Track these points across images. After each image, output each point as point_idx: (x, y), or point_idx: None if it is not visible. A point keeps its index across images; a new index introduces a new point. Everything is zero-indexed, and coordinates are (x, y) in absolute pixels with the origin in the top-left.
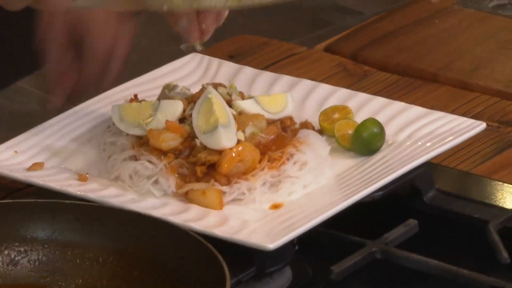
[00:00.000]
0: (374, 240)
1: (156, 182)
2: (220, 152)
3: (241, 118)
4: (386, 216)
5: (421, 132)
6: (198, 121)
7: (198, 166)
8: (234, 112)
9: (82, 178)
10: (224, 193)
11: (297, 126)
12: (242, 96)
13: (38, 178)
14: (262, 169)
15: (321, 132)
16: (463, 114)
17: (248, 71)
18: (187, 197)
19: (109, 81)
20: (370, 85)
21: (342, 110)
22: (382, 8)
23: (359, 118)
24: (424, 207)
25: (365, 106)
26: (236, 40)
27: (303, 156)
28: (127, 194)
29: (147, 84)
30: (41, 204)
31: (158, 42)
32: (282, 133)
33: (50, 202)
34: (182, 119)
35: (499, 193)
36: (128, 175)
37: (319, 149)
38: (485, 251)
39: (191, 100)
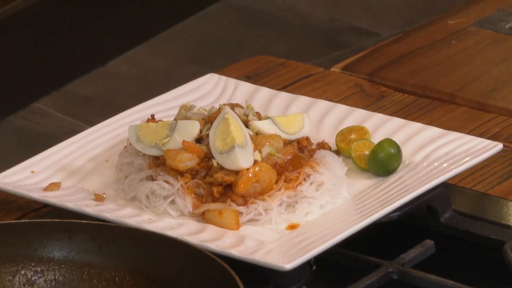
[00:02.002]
0: (391, 261)
1: (172, 202)
2: (236, 172)
3: (258, 139)
4: (402, 236)
5: (438, 153)
6: (215, 142)
7: (215, 186)
8: (251, 133)
9: (98, 198)
10: (240, 213)
11: (313, 146)
12: (259, 117)
13: (54, 198)
14: (279, 190)
15: (337, 152)
16: (480, 135)
17: (265, 92)
18: (203, 218)
19: None
20: (387, 105)
21: (359, 130)
22: (399, 29)
23: (376, 139)
24: (441, 228)
25: (382, 126)
26: (253, 61)
27: (320, 177)
28: (143, 214)
29: (164, 105)
30: (57, 224)
31: (175, 63)
32: (299, 153)
33: (67, 222)
34: (199, 140)
35: None
36: (144, 195)
37: (336, 169)
38: (501, 272)
39: (208, 121)
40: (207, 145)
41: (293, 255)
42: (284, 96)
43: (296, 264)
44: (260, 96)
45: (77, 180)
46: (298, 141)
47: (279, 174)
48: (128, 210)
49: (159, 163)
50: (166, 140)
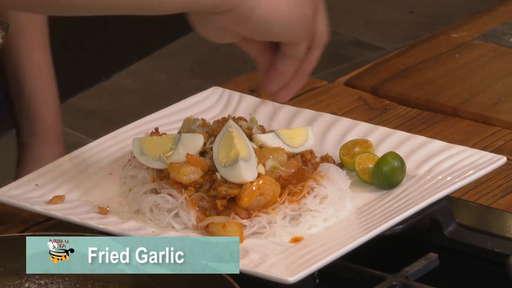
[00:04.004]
0: (395, 274)
1: (176, 215)
2: (240, 185)
3: (262, 152)
4: (406, 249)
5: (441, 166)
6: (219, 155)
7: (219, 199)
8: (255, 146)
9: (102, 211)
10: (244, 226)
11: (317, 159)
12: (263, 130)
13: (58, 211)
14: (283, 203)
15: (341, 165)
16: (484, 148)
17: (268, 105)
18: (207, 231)
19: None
20: (391, 119)
21: (363, 144)
22: (402, 43)
23: (380, 152)
24: (445, 241)
25: (385, 140)
26: (257, 75)
27: (324, 190)
28: (147, 227)
29: (168, 118)
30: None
31: (179, 77)
32: (303, 166)
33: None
34: (203, 153)
35: None
36: (148, 208)
37: (340, 182)
38: (505, 285)
39: (211, 134)
40: (211, 158)
41: (297, 268)
42: (288, 109)
43: (299, 277)
44: (264, 109)
45: (81, 193)
46: (302, 154)
47: (283, 187)
48: (132, 223)
49: (163, 176)
50: (170, 153)
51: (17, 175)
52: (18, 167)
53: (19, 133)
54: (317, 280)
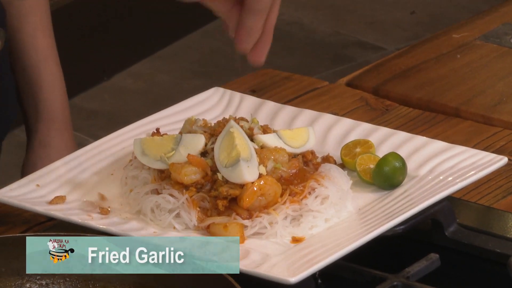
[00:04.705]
0: (396, 274)
1: (177, 215)
2: (241, 186)
3: (263, 152)
4: (407, 250)
5: (442, 167)
6: (220, 155)
7: (220, 200)
8: (256, 146)
9: (103, 211)
10: (245, 227)
11: (318, 160)
12: (265, 130)
13: (59, 211)
14: (284, 203)
15: (342, 166)
16: (485, 149)
17: (270, 105)
18: (208, 231)
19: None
20: (392, 119)
21: (364, 144)
22: (404, 43)
23: (381, 153)
24: (446, 242)
25: (386, 140)
26: (258, 75)
27: (325, 190)
28: (148, 227)
29: (169, 118)
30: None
31: (180, 77)
32: (304, 167)
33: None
34: (204, 153)
35: None
36: (150, 208)
37: (341, 183)
38: (506, 286)
39: (213, 134)
40: (212, 158)
41: (298, 269)
42: (289, 109)
43: (301, 278)
44: (265, 110)
45: (82, 193)
46: (303, 155)
47: (284, 187)
48: (133, 223)
49: (164, 177)
50: (171, 153)
51: (25, 162)
52: (27, 153)
53: (26, 120)
54: (318, 281)
